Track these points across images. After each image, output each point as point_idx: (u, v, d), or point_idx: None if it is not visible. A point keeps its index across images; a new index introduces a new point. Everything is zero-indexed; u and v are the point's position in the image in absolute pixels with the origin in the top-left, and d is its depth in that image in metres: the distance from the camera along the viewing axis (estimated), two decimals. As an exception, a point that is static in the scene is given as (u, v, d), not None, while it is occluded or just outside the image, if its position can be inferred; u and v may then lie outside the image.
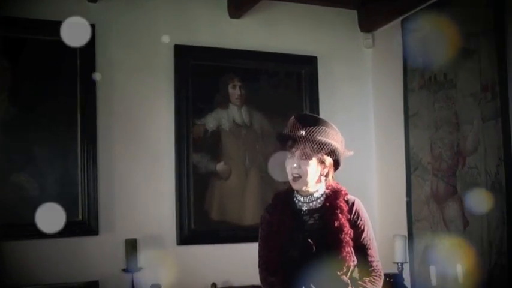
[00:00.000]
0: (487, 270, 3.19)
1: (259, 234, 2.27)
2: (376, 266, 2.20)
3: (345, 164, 2.24)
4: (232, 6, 3.85)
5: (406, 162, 3.83)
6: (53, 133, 3.42)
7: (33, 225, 3.25)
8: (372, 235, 2.21)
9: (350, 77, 4.18)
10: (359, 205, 2.20)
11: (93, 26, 3.53)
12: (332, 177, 2.21)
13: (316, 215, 2.17)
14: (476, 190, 3.29)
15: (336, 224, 2.12)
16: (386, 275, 2.54)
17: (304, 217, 2.19)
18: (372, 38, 4.20)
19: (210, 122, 3.81)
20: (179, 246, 3.66)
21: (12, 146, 3.34)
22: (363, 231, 2.18)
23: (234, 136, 3.87)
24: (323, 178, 2.19)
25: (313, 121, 2.17)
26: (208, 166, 3.78)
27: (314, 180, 2.17)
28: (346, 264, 2.12)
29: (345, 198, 2.19)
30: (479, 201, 3.24)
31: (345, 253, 2.10)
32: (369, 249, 2.19)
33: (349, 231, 2.13)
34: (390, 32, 4.05)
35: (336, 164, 2.21)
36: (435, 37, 3.60)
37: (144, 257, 3.50)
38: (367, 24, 4.18)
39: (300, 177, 2.14)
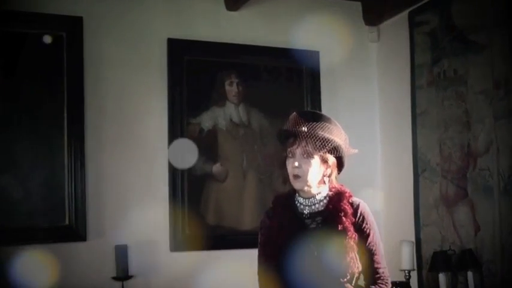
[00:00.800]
0: (499, 278, 3.18)
1: (259, 240, 2.26)
2: (383, 273, 2.19)
3: (348, 165, 2.23)
4: (230, -3, 3.86)
5: (413, 163, 3.83)
6: (38, 132, 3.41)
7: (17, 230, 3.24)
8: (378, 240, 2.20)
9: (354, 73, 4.19)
10: (364, 208, 2.19)
11: (80, 19, 3.53)
12: (336, 178, 2.20)
13: (318, 219, 2.16)
14: (488, 193, 3.28)
15: (340, 227, 2.10)
16: (392, 283, 2.52)
17: (306, 221, 2.17)
18: (377, 32, 4.21)
19: (206, 121, 3.81)
20: (172, 253, 3.66)
21: (-8, 146, 3.34)
22: (368, 235, 2.16)
23: (231, 136, 3.87)
24: (326, 179, 2.18)
25: (316, 117, 2.17)
26: (204, 168, 3.78)
27: (316, 180, 2.15)
28: (350, 271, 2.10)
29: (350, 201, 2.18)
30: (491, 204, 3.24)
31: (349, 259, 2.09)
32: (375, 255, 2.17)
33: (354, 236, 2.11)
34: (397, 25, 4.06)
35: (340, 165, 2.20)
36: (444, 30, 3.60)
37: (135, 264, 3.49)
38: (372, 17, 4.18)
39: (301, 176, 2.13)
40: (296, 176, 2.14)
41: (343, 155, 2.17)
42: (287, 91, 4.00)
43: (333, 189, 2.21)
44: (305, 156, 2.12)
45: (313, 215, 2.17)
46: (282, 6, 4.03)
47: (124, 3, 3.69)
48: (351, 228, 2.12)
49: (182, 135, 3.72)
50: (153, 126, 3.70)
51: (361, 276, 2.18)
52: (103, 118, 3.58)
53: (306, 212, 2.18)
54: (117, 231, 3.51)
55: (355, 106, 4.15)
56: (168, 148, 3.70)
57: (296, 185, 2.17)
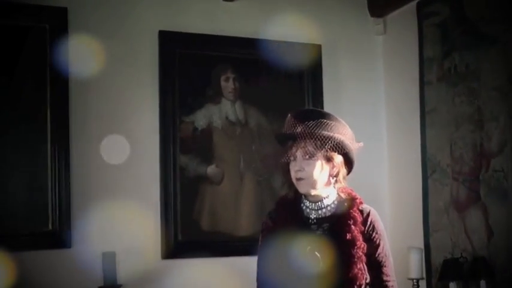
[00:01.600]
0: (515, 287, 3.21)
1: (259, 244, 2.25)
2: (392, 286, 2.18)
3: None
4: (226, -13, 3.88)
5: (422, 164, 3.83)
6: (19, 132, 3.40)
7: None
8: (388, 251, 2.19)
9: (359, 68, 4.19)
10: (375, 216, 2.18)
11: (65, 10, 3.51)
12: (344, 178, 2.19)
13: (325, 225, 2.15)
14: (502, 196, 3.28)
15: (348, 236, 2.09)
16: (400, 293, 2.52)
17: (312, 226, 2.16)
18: (383, 24, 4.21)
19: (200, 119, 3.81)
20: (164, 260, 3.65)
21: (-31, 147, 3.34)
22: (378, 245, 2.15)
23: (227, 135, 3.87)
24: (332, 179, 2.17)
25: (312, 115, 2.16)
26: (198, 169, 3.78)
27: (323, 182, 2.14)
28: (358, 283, 2.09)
29: (360, 208, 2.17)
30: (506, 208, 3.24)
31: (356, 270, 2.07)
32: (385, 266, 2.16)
33: (363, 246, 2.10)
34: (404, 16, 4.05)
35: (349, 163, 2.18)
36: (455, 22, 3.60)
37: (123, 273, 3.49)
38: (378, 8, 4.18)
39: (305, 179, 2.13)
40: (300, 179, 2.13)
41: (348, 151, 2.15)
42: (287, 87, 4.00)
43: (342, 194, 2.20)
44: (307, 157, 2.11)
45: (319, 220, 2.17)
46: (282, -4, 4.04)
47: (112, -8, 3.69)
48: (360, 238, 2.11)
49: (174, 135, 3.71)
50: (143, 125, 3.69)
51: (368, 288, 2.17)
52: (89, 116, 3.57)
53: (312, 216, 2.18)
54: (105, 237, 3.50)
55: (359, 103, 4.15)
56: (160, 148, 3.69)
57: (301, 188, 2.16)
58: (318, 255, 2.07)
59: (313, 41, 4.04)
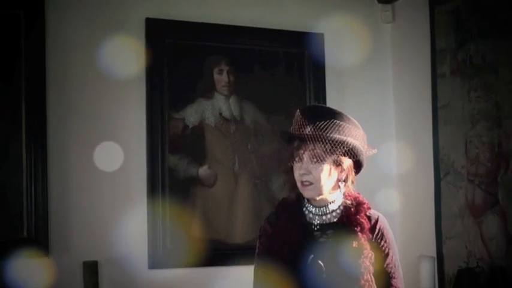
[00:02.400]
0: (536, 300, 3.22)
1: (257, 250, 2.26)
2: (402, 299, 2.23)
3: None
4: (219, -30, 3.90)
5: (434, 165, 3.83)
6: (-10, 130, 3.40)
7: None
8: (397, 261, 2.21)
9: (365, 59, 4.16)
10: (384, 223, 2.21)
11: (42, -4, 3.53)
12: (352, 182, 2.20)
13: (329, 232, 2.17)
14: (522, 200, 3.29)
15: (354, 244, 2.10)
16: (410, 306, 2.53)
17: (315, 233, 2.18)
18: (391, 11, 4.20)
19: (191, 115, 3.80)
20: (151, 270, 3.64)
21: None
22: (387, 255, 2.18)
23: (221, 133, 3.87)
24: (341, 184, 2.18)
25: (324, 114, 2.15)
26: (188, 170, 3.77)
27: (330, 186, 2.16)
28: (364, 295, 2.11)
29: (367, 214, 2.18)
30: (527, 213, 3.25)
31: (363, 282, 2.09)
32: (394, 278, 2.19)
33: (370, 255, 2.11)
34: (414, 3, 4.04)
35: (357, 166, 2.19)
36: (470, 9, 3.59)
37: (107, 283, 3.49)
38: (386, -6, 4.21)
39: (311, 184, 2.13)
40: (305, 183, 2.13)
41: (360, 156, 2.16)
42: (286, 80, 4.00)
43: (349, 198, 2.21)
44: (314, 161, 2.11)
45: (323, 226, 2.19)
46: (281, -20, 4.06)
47: (93, -24, 3.70)
48: (367, 246, 2.13)
49: (163, 133, 3.71)
50: (128, 121, 3.68)
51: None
52: (69, 112, 3.54)
53: (315, 222, 2.20)
54: (86, 245, 3.49)
55: (365, 97, 4.15)
56: (146, 148, 3.69)
57: (305, 193, 2.17)
58: (322, 264, 2.09)
59: (315, 29, 4.04)
